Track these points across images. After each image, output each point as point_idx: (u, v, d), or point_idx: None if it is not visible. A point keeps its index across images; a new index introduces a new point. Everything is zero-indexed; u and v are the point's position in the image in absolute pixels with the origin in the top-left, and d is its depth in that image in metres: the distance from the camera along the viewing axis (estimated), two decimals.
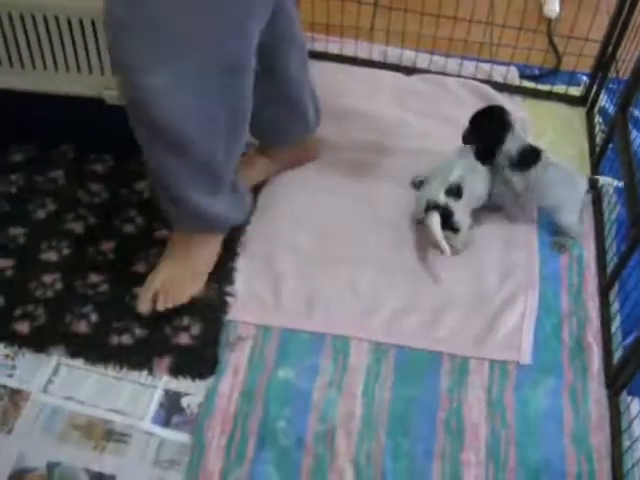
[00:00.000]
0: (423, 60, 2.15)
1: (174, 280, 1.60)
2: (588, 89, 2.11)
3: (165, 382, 1.51)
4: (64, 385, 1.50)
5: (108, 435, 1.44)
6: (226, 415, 1.46)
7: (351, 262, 1.70)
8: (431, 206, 1.63)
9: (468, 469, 1.42)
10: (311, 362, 1.54)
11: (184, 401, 1.48)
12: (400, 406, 1.49)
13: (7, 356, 1.54)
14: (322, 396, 1.49)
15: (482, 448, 1.44)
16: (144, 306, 1.59)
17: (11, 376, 1.52)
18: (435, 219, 1.61)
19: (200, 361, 1.53)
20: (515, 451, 1.44)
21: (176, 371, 1.52)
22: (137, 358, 1.53)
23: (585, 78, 2.15)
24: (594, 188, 1.82)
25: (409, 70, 2.15)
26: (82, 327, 1.57)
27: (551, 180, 1.68)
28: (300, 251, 1.71)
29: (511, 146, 1.67)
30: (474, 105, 2.04)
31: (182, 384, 1.51)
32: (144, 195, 1.81)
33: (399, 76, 2.15)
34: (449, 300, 1.65)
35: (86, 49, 1.66)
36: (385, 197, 1.83)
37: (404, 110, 2.05)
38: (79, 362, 1.53)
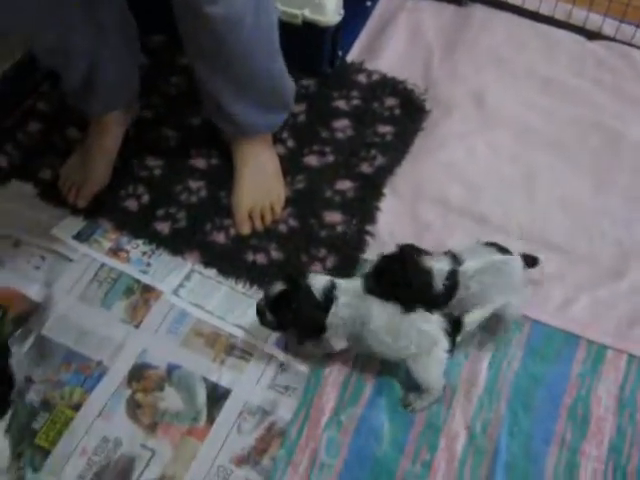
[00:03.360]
0: (610, 26, 1.99)
1: (259, 191, 1.59)
2: None
3: None
4: (194, 292, 1.52)
5: (230, 349, 1.45)
6: (347, 354, 1.44)
7: (495, 223, 1.62)
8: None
9: (586, 461, 1.35)
10: None
11: None
12: (526, 382, 1.43)
13: (144, 253, 1.57)
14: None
15: (605, 443, 1.37)
16: (245, 228, 1.58)
17: (145, 273, 1.54)
18: None
19: None
20: (639, 453, 1.36)
21: None
22: (269, 279, 1.51)
23: None
24: (534, 264, 1.46)
25: (592, 35, 2.01)
26: (220, 238, 1.57)
27: (478, 292, 1.38)
28: (448, 204, 1.65)
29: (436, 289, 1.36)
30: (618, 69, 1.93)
31: None
32: (298, 119, 1.78)
33: (580, 40, 2.01)
34: (596, 281, 1.56)
35: None
36: (542, 167, 1.73)
37: (580, 77, 1.91)
38: (212, 272, 1.54)
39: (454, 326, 1.34)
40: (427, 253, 1.39)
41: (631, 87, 1.90)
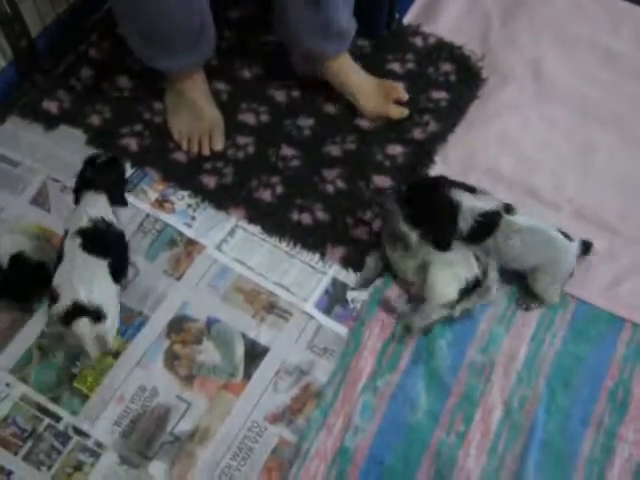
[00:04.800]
0: None
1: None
2: None
3: (335, 271, 1.49)
4: (237, 247, 1.51)
5: (270, 307, 1.44)
6: (387, 320, 1.44)
7: (546, 197, 1.59)
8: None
9: (623, 445, 1.34)
10: None
11: (349, 294, 1.46)
12: (567, 361, 1.41)
13: (189, 206, 1.56)
14: (488, 328, 1.43)
15: None
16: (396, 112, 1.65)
17: (189, 226, 1.54)
18: None
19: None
20: None
21: (348, 262, 1.49)
22: (313, 240, 1.51)
23: None
24: (588, 252, 1.46)
25: None
26: (266, 196, 1.56)
27: (518, 247, 1.38)
28: (499, 174, 1.61)
29: (462, 225, 1.36)
30: None
31: (351, 277, 1.48)
32: None
33: None
34: None
35: None
36: (599, 144, 1.68)
37: None
38: (256, 229, 1.54)
39: None
40: (472, 190, 1.37)
41: None
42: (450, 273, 1.38)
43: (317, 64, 1.66)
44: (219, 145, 1.63)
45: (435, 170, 1.61)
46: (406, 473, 1.30)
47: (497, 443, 1.33)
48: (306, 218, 1.54)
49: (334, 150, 1.63)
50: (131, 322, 1.42)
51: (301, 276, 1.48)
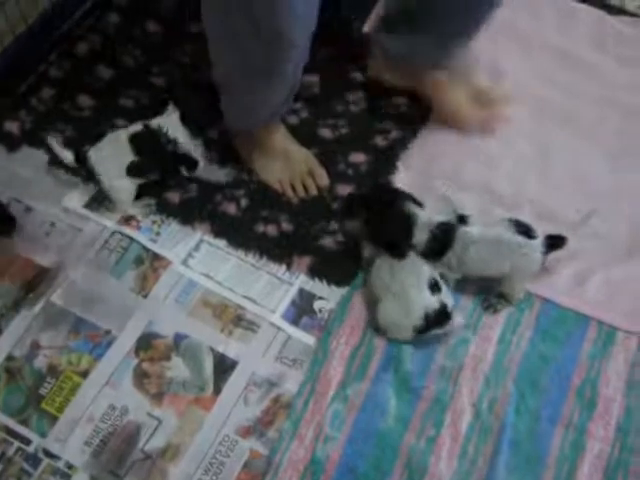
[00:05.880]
0: (634, 1, 1.95)
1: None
2: None
3: (301, 281, 1.49)
4: (203, 262, 1.52)
5: (238, 320, 1.45)
6: (355, 328, 1.44)
7: (508, 199, 1.60)
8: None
9: (592, 442, 1.35)
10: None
11: (317, 304, 1.47)
12: (534, 362, 1.42)
13: (154, 222, 1.56)
14: (455, 333, 1.44)
15: (612, 424, 1.36)
16: None
17: (155, 242, 1.54)
18: None
19: (340, 268, 1.50)
20: None
21: (314, 272, 1.50)
22: (279, 251, 1.51)
23: None
24: (558, 247, 1.42)
25: (614, 10, 1.96)
26: (231, 209, 1.57)
27: (477, 258, 1.38)
28: (461, 179, 1.62)
29: (419, 238, 1.38)
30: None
31: (318, 287, 1.49)
32: (312, 90, 1.76)
33: (600, 14, 1.96)
34: (609, 261, 1.53)
35: None
36: (558, 144, 1.70)
37: (600, 53, 1.87)
38: (221, 243, 1.54)
39: None
40: (419, 204, 1.40)
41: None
42: (403, 312, 1.38)
43: (420, 79, 1.68)
44: (325, 180, 1.60)
45: (398, 177, 1.62)
46: None
47: (467, 446, 1.34)
48: (271, 230, 1.54)
49: None
50: (98, 341, 1.42)
51: (268, 288, 1.49)
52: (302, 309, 1.46)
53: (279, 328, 1.44)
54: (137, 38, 1.83)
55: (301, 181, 1.59)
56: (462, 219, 1.40)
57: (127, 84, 1.75)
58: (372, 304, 1.44)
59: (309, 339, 1.43)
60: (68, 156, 1.52)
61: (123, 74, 1.77)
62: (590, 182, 1.64)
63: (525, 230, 1.39)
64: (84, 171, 1.53)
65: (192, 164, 1.55)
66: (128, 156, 1.50)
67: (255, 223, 1.55)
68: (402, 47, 1.61)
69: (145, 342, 1.42)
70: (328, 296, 1.48)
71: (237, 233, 1.54)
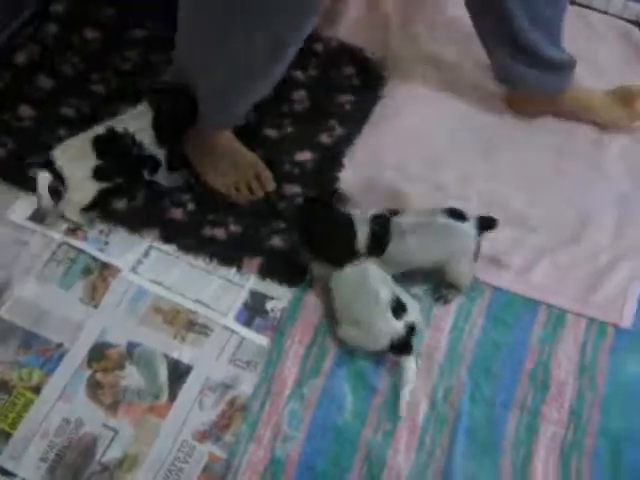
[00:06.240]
0: None
1: None
2: None
3: (253, 282, 1.49)
4: (153, 268, 1.50)
5: (190, 325, 1.44)
6: (308, 326, 1.44)
7: (454, 191, 1.62)
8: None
9: (546, 425, 1.37)
10: None
11: (269, 304, 1.47)
12: (487, 348, 1.44)
13: (102, 231, 1.55)
14: None
15: (565, 406, 1.38)
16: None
17: (103, 251, 1.52)
18: None
19: (290, 267, 1.50)
20: (599, 415, 1.38)
21: (265, 273, 1.49)
22: (228, 253, 1.51)
23: None
24: (489, 227, 1.42)
25: None
26: (178, 214, 1.56)
27: (415, 248, 1.40)
28: (407, 172, 1.63)
29: (360, 236, 1.39)
30: (614, 47, 1.91)
31: (269, 287, 1.48)
32: None
33: None
34: (555, 246, 1.56)
35: None
36: (502, 135, 1.72)
37: None
38: (171, 248, 1.53)
39: None
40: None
41: (585, 49, 1.85)
42: (367, 339, 1.38)
43: (543, 102, 1.71)
44: (271, 184, 1.59)
45: (345, 173, 1.62)
46: (338, 476, 1.31)
47: (424, 437, 1.35)
48: (220, 233, 1.53)
49: None
50: (50, 355, 1.40)
51: (219, 291, 1.48)
52: (254, 310, 1.46)
53: (232, 331, 1.44)
54: (76, 46, 1.81)
55: (247, 185, 1.58)
56: (394, 211, 1.41)
57: (67, 93, 1.72)
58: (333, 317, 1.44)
59: (262, 340, 1.43)
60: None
61: (63, 83, 1.75)
62: (534, 170, 1.67)
63: (457, 214, 1.40)
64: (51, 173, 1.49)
65: (155, 166, 1.54)
66: (92, 159, 1.48)
67: (203, 227, 1.54)
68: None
69: (97, 353, 1.41)
70: (280, 296, 1.48)
71: (186, 238, 1.53)
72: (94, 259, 1.51)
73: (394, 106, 1.74)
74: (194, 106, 1.49)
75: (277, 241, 1.52)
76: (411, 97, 1.76)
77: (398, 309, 1.36)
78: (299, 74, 1.76)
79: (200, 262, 1.51)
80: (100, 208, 1.55)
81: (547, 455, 1.34)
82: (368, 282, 1.37)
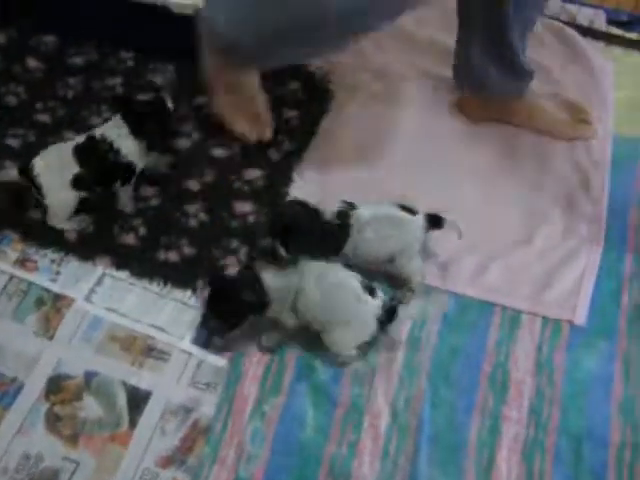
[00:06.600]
0: None
1: None
2: None
3: None
4: (107, 296, 1.49)
5: (147, 351, 1.43)
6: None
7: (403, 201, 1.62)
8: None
9: (508, 425, 1.38)
10: None
11: None
12: (445, 354, 1.45)
13: (53, 261, 1.53)
14: None
15: (525, 406, 1.40)
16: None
17: (55, 282, 1.50)
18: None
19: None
20: (558, 413, 1.39)
21: None
22: (182, 276, 1.50)
23: None
24: (437, 224, 1.47)
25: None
26: (130, 239, 1.55)
27: (373, 238, 1.44)
28: (357, 185, 1.64)
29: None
30: (553, 48, 1.95)
31: None
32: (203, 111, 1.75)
33: None
34: (506, 248, 1.58)
35: None
36: (451, 141, 1.75)
37: None
38: (124, 274, 1.52)
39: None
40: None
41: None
42: (357, 332, 1.39)
43: (498, 108, 1.74)
44: (268, 134, 1.67)
45: (295, 188, 1.63)
46: None
47: (388, 447, 1.35)
48: (173, 256, 1.53)
49: (192, 184, 1.63)
50: (5, 390, 1.38)
51: (175, 314, 1.47)
52: (211, 332, 1.45)
53: (190, 354, 1.43)
54: (18, 76, 1.80)
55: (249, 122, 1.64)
56: (350, 205, 1.45)
57: (12, 123, 1.71)
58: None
59: (221, 361, 1.42)
60: (11, 172, 1.53)
61: (7, 113, 1.74)
62: (483, 172, 1.69)
63: (407, 209, 1.45)
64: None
65: (129, 175, 1.54)
66: (73, 168, 1.48)
67: (156, 251, 1.53)
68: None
69: (54, 385, 1.39)
70: None
71: (139, 263, 1.52)
72: (47, 290, 1.49)
73: (341, 120, 1.75)
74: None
75: (231, 261, 1.52)
76: (358, 109, 1.78)
77: (371, 290, 1.37)
78: None
79: (154, 287, 1.50)
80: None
81: (510, 455, 1.35)
82: (341, 284, 1.37)
